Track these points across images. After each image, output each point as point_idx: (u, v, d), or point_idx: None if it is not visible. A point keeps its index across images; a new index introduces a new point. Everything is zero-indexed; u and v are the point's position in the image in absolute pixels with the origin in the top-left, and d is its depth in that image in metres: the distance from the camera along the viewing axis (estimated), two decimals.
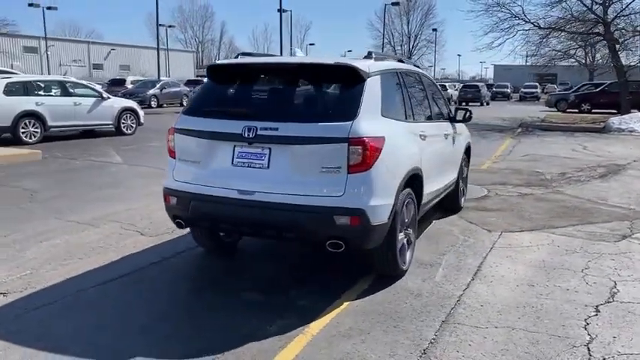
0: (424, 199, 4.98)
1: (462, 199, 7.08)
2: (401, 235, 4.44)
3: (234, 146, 4.04)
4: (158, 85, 30.07)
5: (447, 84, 47.53)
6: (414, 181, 4.62)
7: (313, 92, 4.20)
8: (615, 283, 4.43)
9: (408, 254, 4.66)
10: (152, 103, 28.32)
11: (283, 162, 3.92)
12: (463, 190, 7.08)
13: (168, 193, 4.36)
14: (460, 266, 4.84)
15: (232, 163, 4.06)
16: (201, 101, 4.38)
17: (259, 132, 3.91)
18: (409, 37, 76.05)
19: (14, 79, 12.99)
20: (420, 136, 4.80)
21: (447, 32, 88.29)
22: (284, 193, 3.89)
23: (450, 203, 6.80)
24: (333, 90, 4.15)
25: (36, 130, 12.72)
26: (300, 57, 4.61)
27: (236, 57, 4.78)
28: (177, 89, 31.31)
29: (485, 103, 42.44)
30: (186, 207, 4.25)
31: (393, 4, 43.55)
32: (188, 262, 4.93)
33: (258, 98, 4.29)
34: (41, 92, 13.13)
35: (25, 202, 7.04)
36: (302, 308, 3.87)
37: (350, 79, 4.08)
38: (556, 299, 4.11)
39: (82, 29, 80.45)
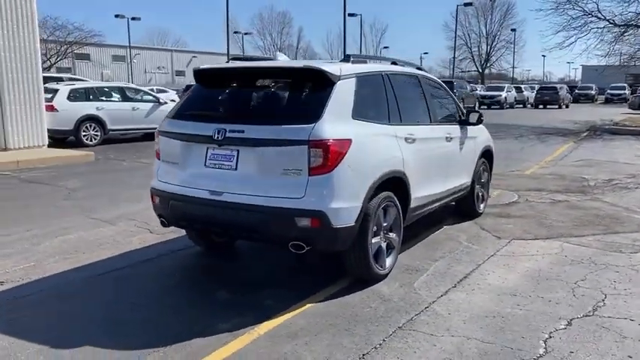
0: (413, 204, 4.89)
1: (482, 205, 6.86)
2: (376, 239, 4.40)
3: (207, 148, 4.18)
4: None
5: (522, 86, 45.80)
6: (395, 184, 4.56)
7: (281, 95, 4.26)
8: (605, 297, 4.15)
9: (389, 259, 4.60)
10: None
11: (249, 164, 4.01)
12: (482, 195, 6.85)
13: (153, 192, 4.58)
14: (447, 273, 4.72)
15: (205, 164, 4.20)
16: (184, 105, 4.57)
17: (228, 134, 4.03)
18: (487, 38, 73.89)
19: (77, 85, 13.97)
20: (406, 139, 4.73)
21: (527, 32, 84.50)
22: (250, 194, 3.98)
23: (465, 208, 6.63)
24: (300, 93, 4.19)
25: (96, 133, 13.62)
26: (271, 61, 4.68)
27: (227, 62, 4.93)
28: None
29: (564, 106, 40.45)
30: (166, 206, 4.44)
31: (466, 4, 42.46)
32: (179, 260, 5.13)
33: (230, 102, 4.41)
34: (102, 98, 14.03)
35: (61, 200, 7.58)
36: (264, 307, 3.94)
37: (318, 82, 4.11)
38: (531, 310, 3.91)
39: (169, 38, 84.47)
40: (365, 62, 4.69)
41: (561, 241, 5.72)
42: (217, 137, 4.05)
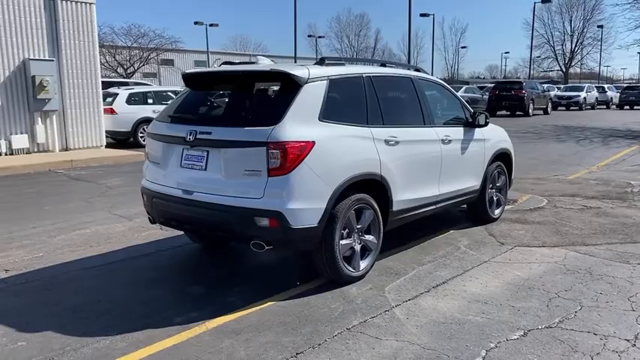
0: (396, 207, 4.84)
1: (497, 210, 6.63)
2: (347, 241, 4.41)
3: (183, 149, 4.38)
4: None
5: (605, 86, 43.18)
6: (371, 186, 4.55)
7: (249, 98, 4.36)
8: (581, 309, 3.93)
9: (365, 261, 4.59)
10: None
11: (217, 164, 4.16)
12: (498, 200, 6.63)
13: (142, 191, 4.85)
14: (427, 277, 4.63)
15: (181, 164, 4.39)
16: (169, 108, 4.79)
17: (198, 136, 4.20)
18: (571, 36, 70.19)
19: (136, 90, 14.81)
20: (387, 141, 4.69)
21: (615, 29, 79.33)
22: (216, 194, 4.13)
23: (476, 213, 6.45)
24: (267, 96, 4.28)
25: None
26: (246, 65, 4.78)
27: (219, 66, 5.11)
28: None
29: None
30: (150, 204, 4.69)
31: (543, 1, 40.54)
32: (174, 256, 5.36)
33: (204, 104, 4.57)
34: (159, 101, 14.77)
35: (95, 197, 8.12)
36: (226, 303, 4.06)
37: (284, 85, 4.19)
38: (493, 319, 3.78)
39: (250, 44, 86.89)
40: (342, 65, 4.71)
41: (569, 249, 5.44)
42: (189, 138, 4.23)
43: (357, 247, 4.53)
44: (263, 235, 4.00)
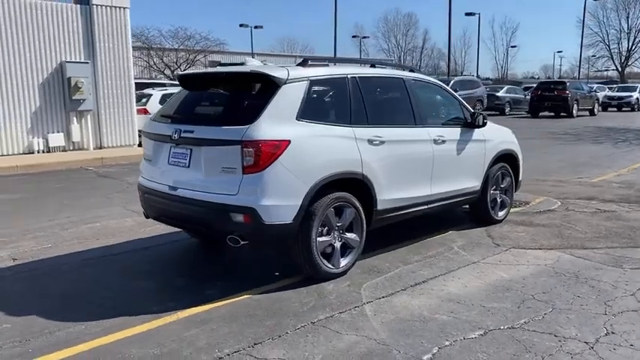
0: (381, 206, 4.90)
1: (502, 212, 6.56)
2: (326, 238, 4.50)
3: (170, 147, 4.59)
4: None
5: None
6: (353, 185, 4.63)
7: (230, 98, 4.52)
8: (551, 311, 3.90)
9: (346, 258, 4.68)
10: None
11: (198, 162, 4.34)
12: (502, 201, 6.56)
13: (138, 187, 5.09)
14: (408, 276, 4.67)
15: (168, 161, 4.60)
16: (163, 108, 5.02)
17: (182, 134, 4.40)
18: (628, 34, 67.41)
19: (169, 90, 15.26)
20: (371, 141, 4.76)
21: None
22: (197, 190, 4.32)
23: (477, 214, 6.41)
24: (246, 96, 4.42)
25: None
26: (227, 67, 4.92)
27: (215, 67, 5.31)
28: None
29: None
30: (143, 200, 4.93)
31: None
32: (171, 249, 5.59)
33: (190, 104, 4.76)
34: None
35: (114, 193, 8.49)
36: (204, 295, 4.23)
37: (263, 85, 4.32)
38: (459, 318, 3.80)
39: (298, 45, 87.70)
40: (326, 66, 4.81)
41: (564, 252, 5.35)
42: (174, 137, 4.44)
43: (337, 245, 4.62)
44: (238, 231, 4.15)
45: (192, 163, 4.39)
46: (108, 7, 12.75)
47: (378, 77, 5.24)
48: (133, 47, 41.40)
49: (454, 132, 5.77)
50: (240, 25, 54.87)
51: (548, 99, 26.48)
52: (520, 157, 6.82)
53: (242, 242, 4.19)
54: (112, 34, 12.86)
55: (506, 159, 6.55)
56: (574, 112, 26.54)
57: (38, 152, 12.04)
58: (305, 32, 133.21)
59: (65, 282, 4.62)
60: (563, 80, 29.51)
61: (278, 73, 4.34)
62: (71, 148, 12.55)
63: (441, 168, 5.52)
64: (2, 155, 11.56)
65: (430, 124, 5.52)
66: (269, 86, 4.29)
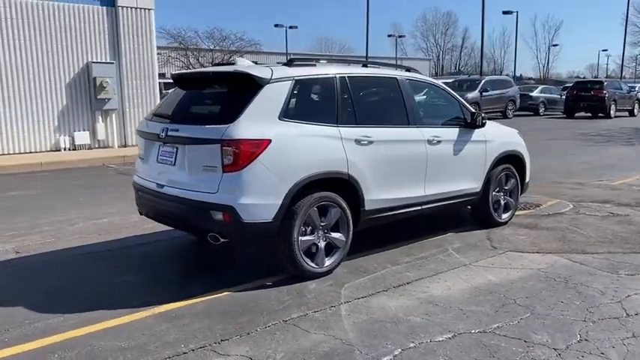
0: (370, 206, 4.87)
1: (506, 214, 6.42)
2: (309, 237, 4.51)
3: (159, 145, 4.68)
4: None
5: None
6: (338, 185, 4.62)
7: (215, 98, 4.58)
8: (528, 316, 3.81)
9: (331, 258, 4.67)
10: None
11: (183, 160, 4.42)
12: (506, 203, 6.42)
13: (132, 185, 5.22)
14: (393, 278, 4.63)
15: (157, 159, 4.70)
16: (157, 107, 5.12)
17: (169, 133, 4.49)
18: None
19: None
20: (359, 141, 4.74)
21: None
22: (181, 188, 4.40)
23: (479, 216, 6.31)
24: (230, 95, 4.47)
25: None
26: (215, 67, 4.97)
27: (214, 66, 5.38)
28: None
29: None
30: (136, 197, 5.06)
31: None
32: (165, 246, 5.69)
33: (180, 104, 4.83)
34: None
35: (129, 190, 8.64)
36: (186, 291, 4.30)
37: (246, 85, 4.36)
38: (432, 321, 3.75)
39: (335, 44, 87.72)
40: (313, 66, 4.81)
41: (562, 256, 5.21)
42: (162, 135, 4.53)
43: (322, 244, 4.62)
44: (218, 228, 4.21)
45: (178, 162, 4.47)
46: (133, 9, 13.07)
47: (369, 77, 5.22)
48: (170, 48, 41.96)
49: (451, 132, 5.69)
50: (275, 26, 55.36)
51: (584, 99, 25.71)
52: (527, 158, 6.66)
53: (222, 240, 4.25)
54: (136, 34, 13.18)
55: (511, 160, 6.41)
56: (611, 112, 25.68)
57: (65, 150, 12.45)
58: (343, 32, 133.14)
59: (56, 275, 4.78)
60: (600, 79, 28.58)
61: (261, 72, 4.37)
62: (96, 146, 12.93)
63: (435, 168, 5.45)
64: (30, 152, 12.00)
65: (425, 125, 5.45)
66: (252, 86, 4.33)
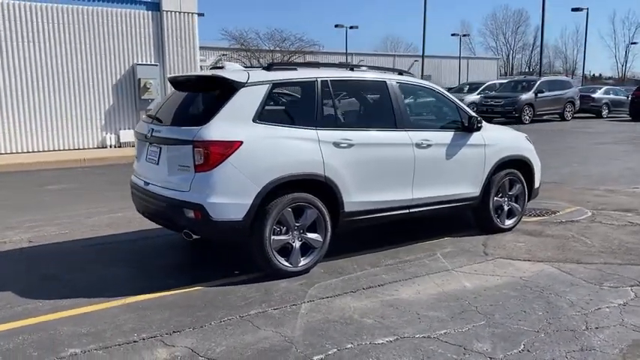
0: (350, 208, 4.93)
1: (510, 220, 6.27)
2: (283, 237, 4.62)
3: (148, 145, 4.95)
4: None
5: None
6: (315, 187, 4.71)
7: (195, 100, 4.77)
8: (483, 323, 3.76)
9: (307, 258, 4.77)
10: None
11: (164, 159, 4.66)
12: (511, 209, 6.27)
13: (130, 183, 5.52)
14: (365, 279, 4.67)
15: (146, 158, 4.97)
16: (152, 108, 5.39)
17: (154, 133, 4.75)
18: None
19: None
20: (338, 143, 4.80)
21: None
22: (161, 186, 4.64)
23: (479, 221, 6.21)
24: (208, 98, 4.65)
25: None
26: (199, 71, 5.14)
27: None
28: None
29: None
30: (131, 195, 5.35)
31: None
32: (164, 241, 5.93)
33: (168, 105, 5.05)
34: None
35: None
36: (161, 284, 4.50)
37: (223, 88, 4.54)
38: (383, 324, 3.77)
39: (401, 44, 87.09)
40: (294, 70, 4.92)
41: (552, 265, 5.06)
42: (148, 136, 4.80)
43: (297, 244, 4.72)
44: (190, 225, 4.42)
45: (160, 161, 4.71)
46: (177, 13, 13.64)
47: (354, 80, 5.27)
48: (232, 49, 42.80)
49: (444, 136, 5.63)
50: (336, 26, 55.53)
51: None
52: (535, 163, 6.46)
53: (194, 236, 4.45)
54: (179, 37, 13.74)
55: (516, 165, 6.25)
56: None
57: (110, 147, 13.17)
58: (410, 31, 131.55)
59: (54, 264, 5.14)
60: None
61: (237, 76, 4.54)
62: None
63: (425, 172, 5.42)
64: (78, 149, 12.78)
65: (414, 128, 5.43)
66: (228, 89, 4.51)
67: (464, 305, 4.10)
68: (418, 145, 5.36)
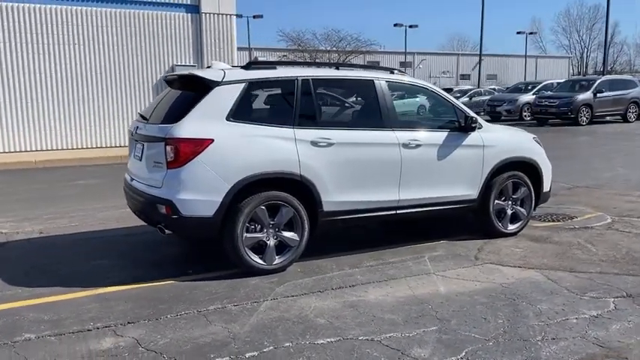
0: (329, 208, 4.90)
1: (514, 225, 6.01)
2: (257, 235, 4.65)
3: (135, 142, 5.12)
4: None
5: None
6: (291, 185, 4.72)
7: (175, 99, 4.86)
8: (434, 329, 3.64)
9: (282, 257, 4.78)
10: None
11: (145, 156, 4.81)
12: (514, 213, 6.02)
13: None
14: (338, 280, 4.64)
15: (134, 155, 5.14)
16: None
17: (137, 131, 4.92)
18: None
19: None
20: (316, 142, 4.79)
21: None
22: (142, 183, 4.80)
23: (480, 225, 6.01)
24: (185, 96, 4.74)
25: None
26: (189, 70, 5.22)
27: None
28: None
29: None
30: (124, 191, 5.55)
31: None
32: (152, 237, 5.88)
33: (155, 104, 5.19)
34: None
35: None
36: (140, 276, 4.67)
37: (199, 87, 4.63)
38: (333, 324, 3.73)
39: (469, 42, 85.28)
40: (273, 68, 4.93)
41: (542, 272, 4.83)
42: (133, 133, 4.97)
43: (271, 242, 4.74)
44: (162, 221, 4.54)
45: (143, 158, 4.87)
46: (216, 15, 13.98)
47: (339, 79, 5.23)
48: (289, 50, 43.44)
49: (436, 136, 5.48)
50: (395, 25, 55.12)
51: None
52: (543, 166, 6.16)
53: (167, 231, 4.57)
54: (218, 38, 14.07)
55: (521, 168, 5.99)
56: None
57: None
58: (477, 29, 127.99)
59: (51, 255, 5.41)
60: None
61: (212, 75, 4.62)
62: None
63: (413, 173, 5.30)
64: (118, 147, 13.34)
65: (403, 128, 5.32)
66: (203, 88, 4.59)
67: (425, 310, 3.99)
68: (406, 145, 5.25)
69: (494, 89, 35.84)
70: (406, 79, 5.64)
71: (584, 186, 9.05)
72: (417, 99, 5.82)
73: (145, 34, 13.48)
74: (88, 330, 3.67)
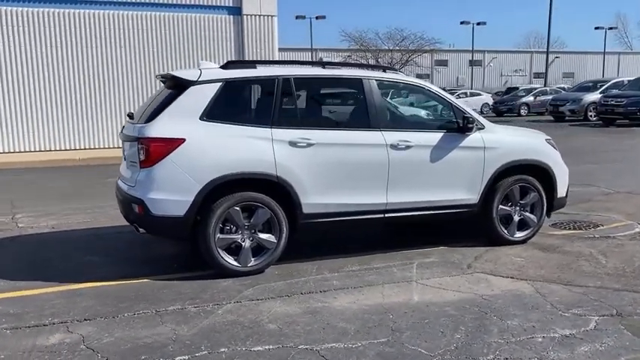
0: (309, 210, 4.78)
1: (521, 232, 5.64)
2: (231, 236, 4.60)
3: (124, 142, 5.21)
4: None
5: None
6: (267, 186, 4.64)
7: (157, 98, 4.87)
8: (383, 341, 3.45)
9: (258, 259, 4.71)
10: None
11: (126, 155, 4.89)
12: (522, 220, 5.65)
13: None
14: (312, 284, 4.51)
15: (124, 156, 5.24)
16: None
17: (124, 131, 5.01)
18: None
19: None
20: (295, 143, 4.68)
21: None
22: (123, 182, 4.88)
23: (483, 231, 5.67)
24: (165, 96, 4.74)
25: None
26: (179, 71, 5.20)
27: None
28: None
29: None
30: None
31: None
32: (146, 235, 6.00)
33: (144, 104, 5.25)
34: None
35: None
36: (121, 273, 4.75)
37: (176, 86, 4.65)
38: (282, 330, 3.62)
39: (546, 39, 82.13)
40: (253, 67, 4.86)
41: (534, 284, 4.50)
42: (121, 133, 5.07)
43: (246, 244, 4.68)
44: (137, 220, 4.58)
45: (125, 157, 4.95)
46: (257, 16, 14.12)
47: (323, 78, 5.09)
48: (352, 50, 43.41)
49: (430, 137, 5.21)
50: (461, 23, 53.60)
51: None
52: (557, 169, 5.73)
53: (141, 230, 4.61)
54: (259, 40, 14.21)
55: (530, 171, 5.60)
56: None
57: None
58: (555, 26, 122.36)
59: (51, 250, 5.62)
60: None
61: (188, 74, 4.62)
62: None
63: (403, 175, 5.07)
64: None
65: (392, 128, 5.11)
66: (179, 87, 4.61)
67: (384, 320, 3.79)
68: (394, 147, 5.03)
69: (563, 88, 34.14)
70: (400, 77, 5.40)
71: (627, 192, 8.39)
72: (423, 99, 5.57)
73: (188, 36, 13.83)
74: (44, 325, 3.75)
